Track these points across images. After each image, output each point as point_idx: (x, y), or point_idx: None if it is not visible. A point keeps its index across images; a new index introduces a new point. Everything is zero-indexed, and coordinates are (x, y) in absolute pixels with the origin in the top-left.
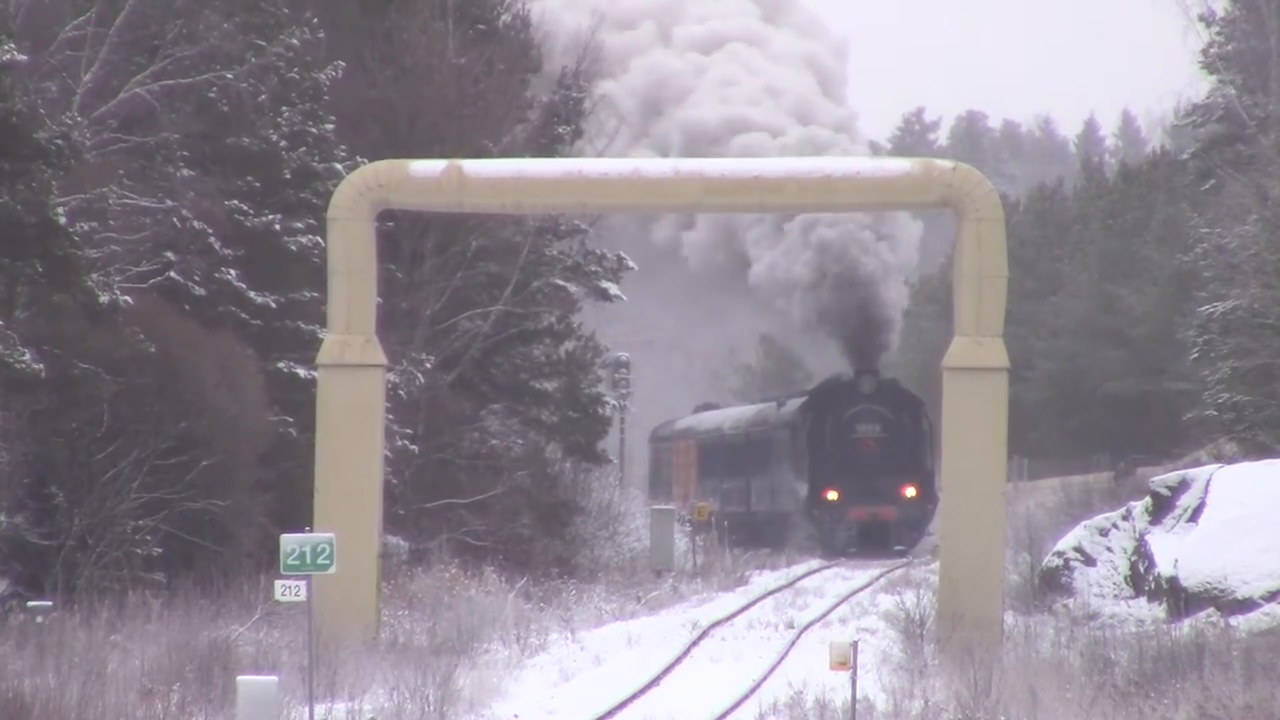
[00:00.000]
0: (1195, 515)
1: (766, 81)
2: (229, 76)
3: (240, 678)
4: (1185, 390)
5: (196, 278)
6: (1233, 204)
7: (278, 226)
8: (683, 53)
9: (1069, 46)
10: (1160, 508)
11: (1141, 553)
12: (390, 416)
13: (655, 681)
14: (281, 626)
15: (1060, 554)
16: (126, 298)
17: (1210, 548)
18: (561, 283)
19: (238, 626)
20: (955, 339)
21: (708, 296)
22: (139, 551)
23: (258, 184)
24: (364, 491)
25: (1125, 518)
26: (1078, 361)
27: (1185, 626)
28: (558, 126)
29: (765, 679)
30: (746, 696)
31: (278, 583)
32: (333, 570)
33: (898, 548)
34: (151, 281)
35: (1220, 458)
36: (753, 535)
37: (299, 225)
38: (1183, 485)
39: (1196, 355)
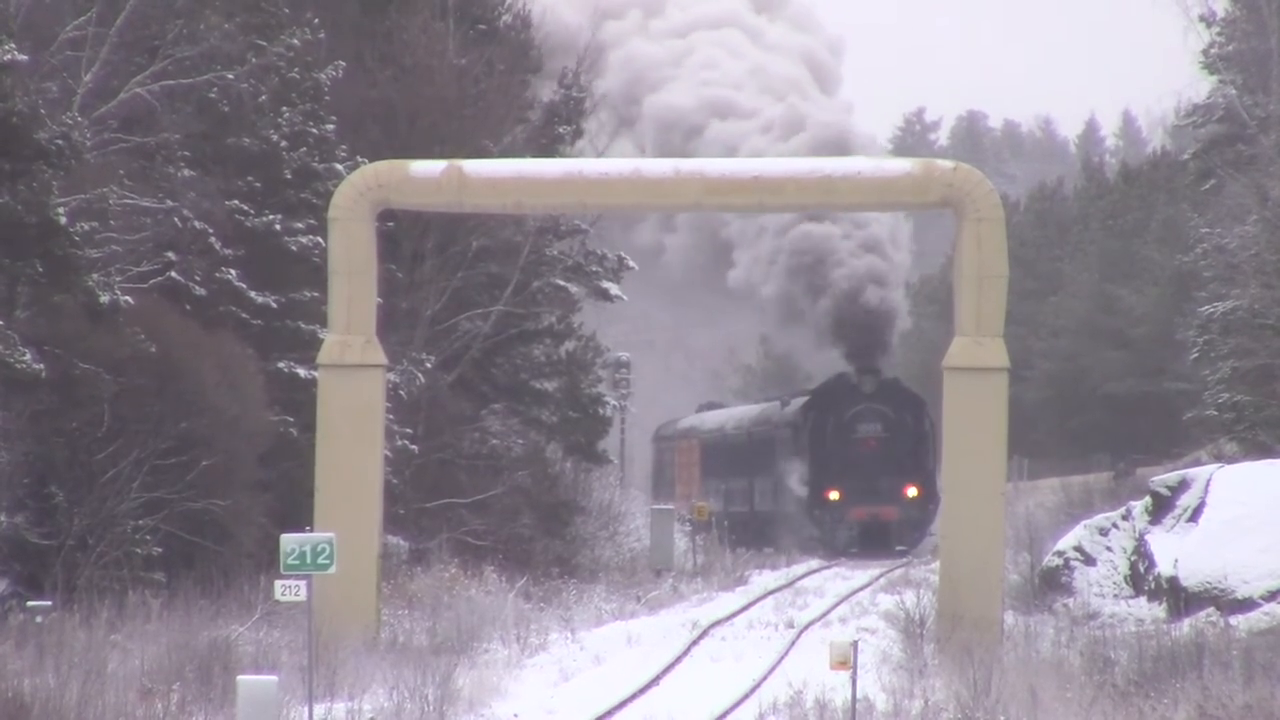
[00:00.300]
0: (1195, 515)
1: (752, 64)
2: (229, 77)
3: (240, 677)
4: (1185, 390)
5: (197, 278)
6: (1233, 204)
7: (278, 227)
8: (662, 39)
9: (1069, 46)
10: (1160, 507)
11: (1141, 552)
12: (390, 416)
13: (655, 681)
14: (281, 626)
15: (1060, 554)
16: (127, 298)
17: (1210, 547)
18: (562, 283)
19: (238, 626)
20: (955, 339)
21: (690, 298)
22: (139, 551)
23: (258, 184)
24: (364, 491)
25: (1125, 517)
26: (1078, 361)
27: (1185, 626)
28: (558, 126)
29: (765, 679)
30: (746, 696)
31: (278, 582)
32: (333, 570)
33: (899, 548)
34: (152, 281)
35: (1220, 458)
36: (756, 535)
37: (299, 225)
38: (1183, 485)
39: (1196, 355)
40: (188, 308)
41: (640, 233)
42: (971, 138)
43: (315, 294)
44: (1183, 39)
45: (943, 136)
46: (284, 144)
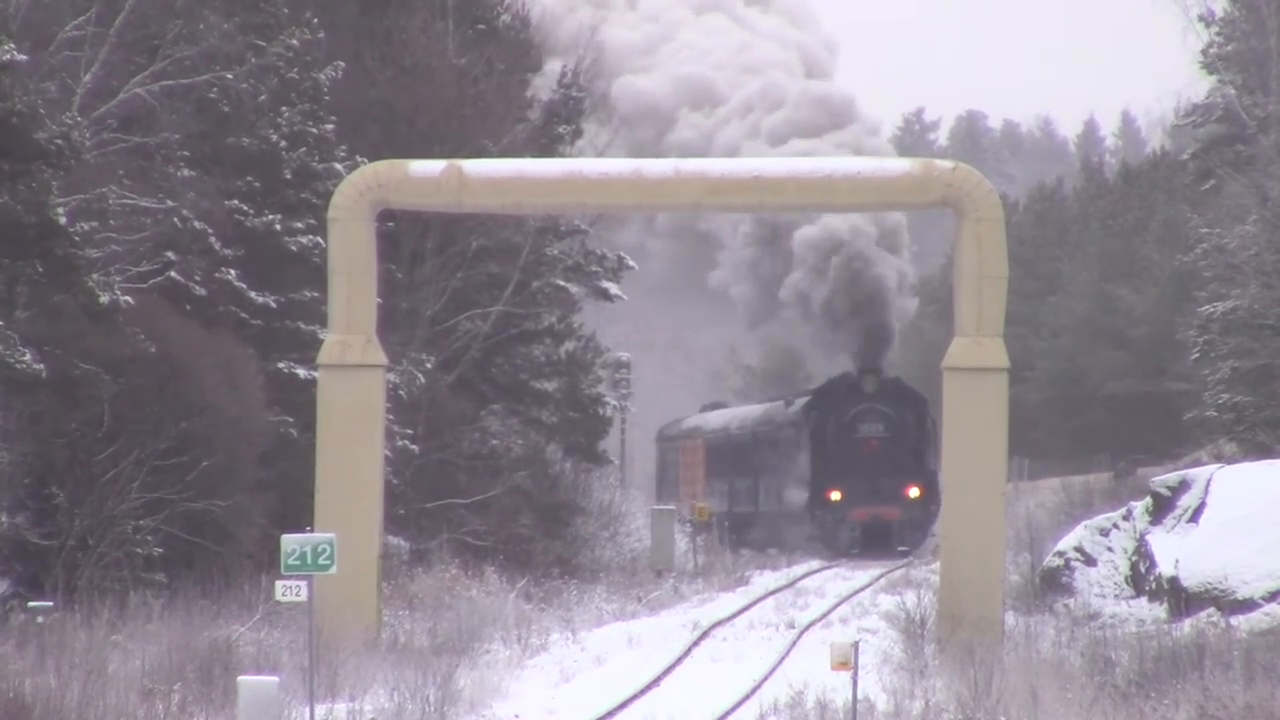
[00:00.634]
0: (1196, 515)
1: (736, 44)
2: (229, 77)
3: (241, 678)
4: (1185, 390)
5: (197, 278)
6: (1233, 204)
7: (278, 227)
8: (639, 25)
9: (1069, 46)
10: (1161, 508)
11: (1142, 553)
12: (390, 417)
13: (656, 682)
14: (282, 627)
15: (1061, 554)
16: (127, 298)
17: (1211, 548)
18: (562, 283)
19: (238, 627)
20: (955, 339)
21: (681, 298)
22: (139, 552)
23: (258, 184)
24: (364, 492)
25: (1126, 518)
26: (1078, 362)
27: (1186, 626)
28: (558, 126)
29: (766, 679)
30: (747, 697)
31: (278, 583)
32: (333, 570)
33: (901, 549)
34: (152, 281)
35: (1220, 458)
36: (761, 535)
37: (299, 225)
38: (1183, 485)
39: (1197, 355)
40: (188, 308)
41: (623, 235)
42: (971, 138)
43: (315, 294)
44: (1182, 39)
45: (942, 136)
46: (283, 144)
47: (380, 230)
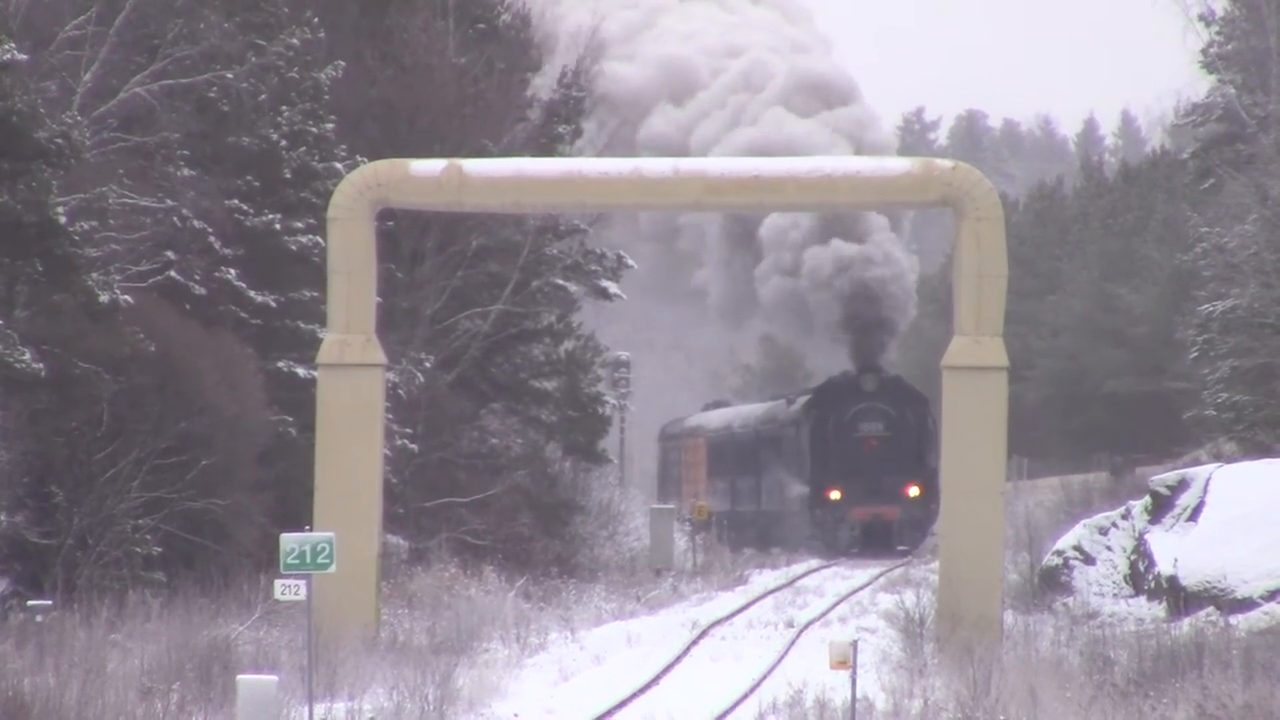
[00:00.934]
0: (1195, 514)
1: (723, 27)
2: (229, 76)
3: (240, 677)
4: (1185, 389)
5: (196, 277)
6: (1232, 203)
7: (278, 226)
8: (617, 13)
9: (1069, 46)
10: (1160, 507)
11: (1141, 552)
12: (390, 416)
13: (655, 681)
14: (281, 626)
15: (1060, 553)
16: (126, 297)
17: (1210, 547)
18: (561, 282)
19: (237, 626)
20: (955, 338)
21: (666, 300)
22: (139, 551)
23: (257, 183)
24: (364, 491)
25: (1125, 517)
26: (1078, 361)
27: (1185, 625)
28: (558, 126)
29: (765, 678)
30: (746, 696)
31: (277, 582)
32: (332, 569)
33: (901, 548)
34: (151, 281)
35: (1220, 457)
36: (764, 534)
37: (299, 225)
38: (1182, 484)
39: (1196, 355)
40: (187, 307)
41: (612, 235)
42: (971, 137)
43: (315, 293)
44: (1182, 38)
45: (942, 136)
46: (283, 143)
47: (380, 229)
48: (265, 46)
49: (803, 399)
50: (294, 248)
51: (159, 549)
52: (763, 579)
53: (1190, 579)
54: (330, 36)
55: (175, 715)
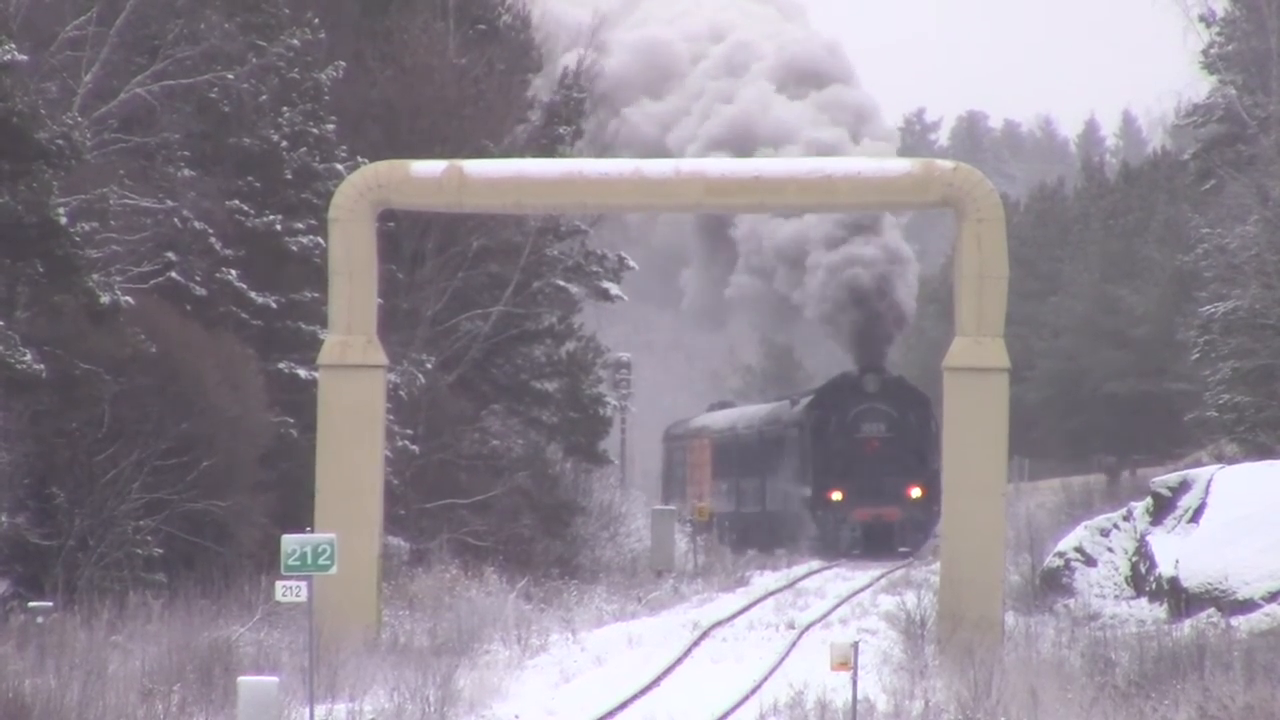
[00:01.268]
0: (1196, 516)
1: (712, 9)
2: (230, 77)
3: (241, 678)
4: (1186, 391)
5: (197, 278)
6: (1233, 204)
7: (278, 227)
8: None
9: (1069, 46)
10: (1161, 508)
11: (1142, 553)
12: (391, 417)
13: (656, 682)
14: (282, 627)
15: (1061, 554)
16: (127, 298)
17: (1211, 548)
18: (562, 283)
19: (238, 627)
20: (956, 339)
21: (663, 301)
22: (140, 552)
23: (258, 184)
24: (365, 492)
25: (1126, 518)
26: (1078, 362)
27: (1186, 627)
28: (558, 126)
29: (766, 680)
30: (747, 697)
31: (278, 583)
32: (333, 571)
33: (902, 549)
34: (152, 282)
35: (1221, 458)
36: (768, 536)
37: (300, 225)
38: (1183, 486)
39: (1197, 356)
40: (188, 308)
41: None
42: (971, 138)
43: (315, 294)
44: (1182, 39)
45: (943, 136)
46: (284, 144)
47: (381, 230)
48: (266, 47)
49: (806, 399)
50: (295, 249)
51: (160, 550)
52: (764, 580)
53: (1191, 580)
54: (331, 37)
55: (176, 717)
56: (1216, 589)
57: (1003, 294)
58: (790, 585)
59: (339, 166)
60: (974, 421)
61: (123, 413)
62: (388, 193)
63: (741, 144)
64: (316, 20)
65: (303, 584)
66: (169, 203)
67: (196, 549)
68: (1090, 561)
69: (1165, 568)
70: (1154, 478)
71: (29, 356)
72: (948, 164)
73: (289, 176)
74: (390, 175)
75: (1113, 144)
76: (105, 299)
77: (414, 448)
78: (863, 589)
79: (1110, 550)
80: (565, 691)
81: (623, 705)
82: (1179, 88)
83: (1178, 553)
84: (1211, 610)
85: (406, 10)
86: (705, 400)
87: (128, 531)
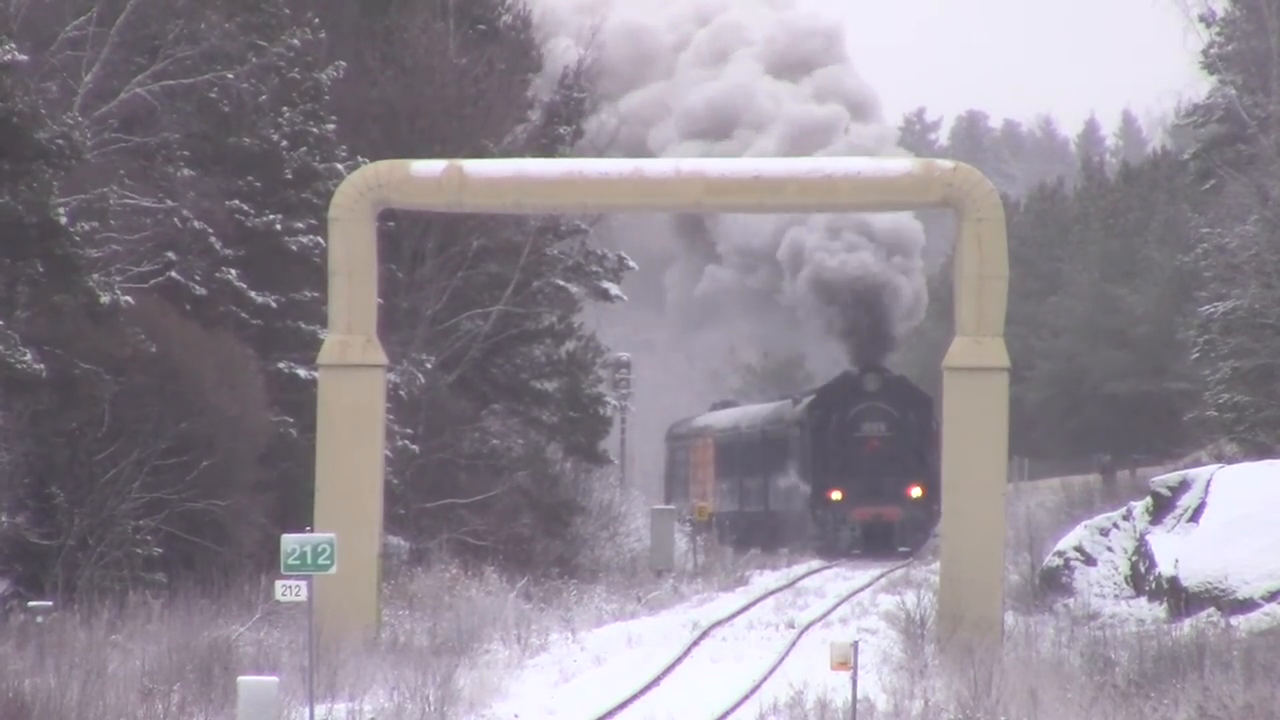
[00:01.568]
0: (1196, 515)
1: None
2: (230, 76)
3: (241, 678)
4: (1186, 390)
5: (197, 278)
6: (1233, 204)
7: (278, 226)
8: None
9: (1069, 46)
10: (1161, 508)
11: (1142, 553)
12: (391, 416)
13: (655, 682)
14: (282, 627)
15: (1061, 554)
16: (127, 298)
17: (1211, 548)
18: (562, 283)
19: (238, 627)
20: (956, 339)
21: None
22: (139, 552)
23: (258, 184)
24: (364, 491)
25: (1126, 517)
26: (1078, 361)
27: (1186, 626)
28: (559, 127)
29: (766, 679)
30: (747, 697)
31: (278, 583)
32: (333, 570)
33: (902, 549)
34: (152, 281)
35: (1221, 458)
36: (771, 535)
37: (300, 225)
38: (1183, 485)
39: (1197, 355)
40: (188, 308)
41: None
42: (971, 138)
43: (315, 294)
44: (1182, 39)
45: (943, 136)
46: (284, 144)
47: (381, 230)
48: (266, 47)
49: (808, 399)
50: (295, 248)
51: (160, 550)
52: (763, 580)
53: (1191, 580)
54: (331, 37)
55: (176, 716)
56: (1216, 588)
57: (1003, 294)
58: (790, 585)
59: (339, 166)
60: (974, 421)
61: (122, 412)
62: (388, 192)
63: (722, 125)
64: (316, 20)
65: (302, 583)
66: (169, 202)
67: (196, 549)
68: (1090, 561)
69: (1165, 567)
70: (1154, 477)
71: (29, 356)
72: (948, 164)
73: (289, 176)
74: (390, 175)
75: (1113, 144)
76: (105, 299)
77: (414, 447)
78: (862, 588)
79: (1110, 550)
80: (565, 691)
81: (622, 705)
82: (1179, 88)
83: (1177, 552)
84: (1211, 610)
85: (406, 10)
86: (705, 400)
87: (127, 531)
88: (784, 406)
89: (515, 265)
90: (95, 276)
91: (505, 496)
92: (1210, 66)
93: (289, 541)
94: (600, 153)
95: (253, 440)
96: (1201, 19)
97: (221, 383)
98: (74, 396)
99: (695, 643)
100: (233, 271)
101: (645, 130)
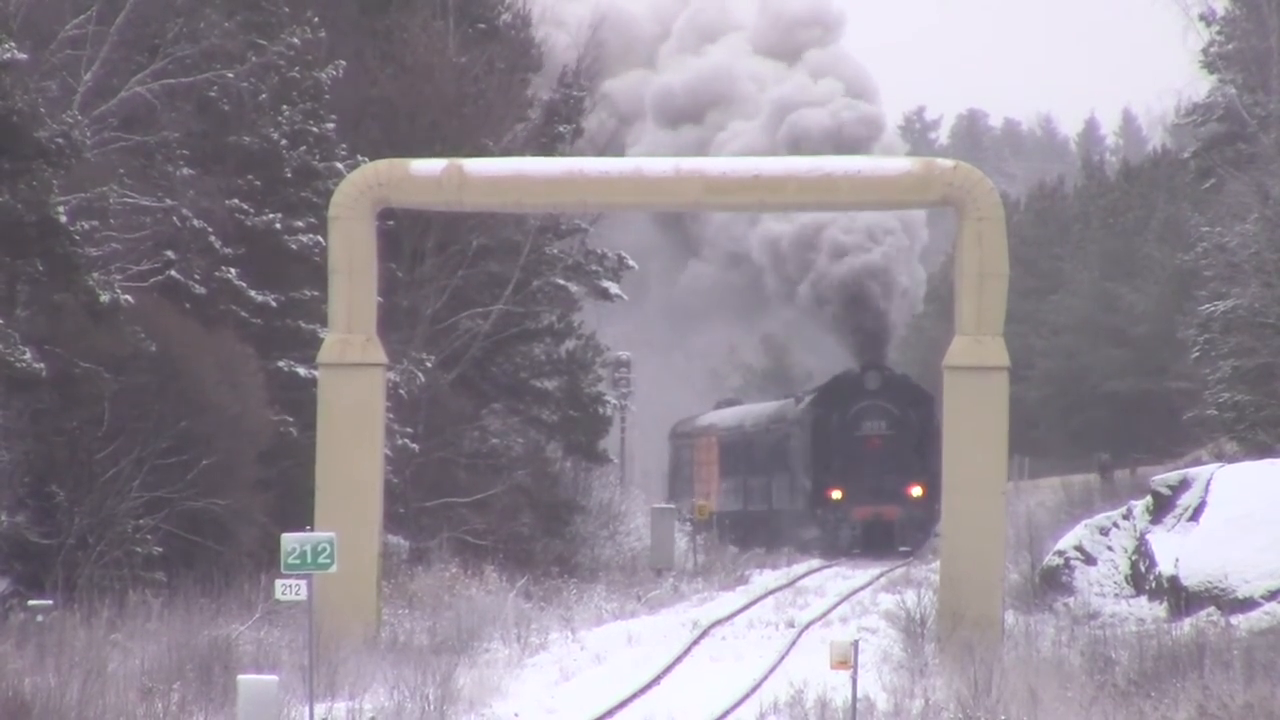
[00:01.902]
0: (1196, 514)
1: None
2: (229, 75)
3: (240, 677)
4: (1186, 389)
5: (197, 276)
6: (1233, 203)
7: (278, 225)
8: None
9: (1069, 45)
10: (1161, 507)
11: (1142, 552)
12: (391, 415)
13: (656, 681)
14: (282, 625)
15: (1061, 553)
16: (127, 296)
17: (1211, 547)
18: (562, 282)
19: (238, 626)
20: (956, 338)
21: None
22: (139, 550)
23: (258, 183)
24: (364, 490)
25: (1126, 517)
26: (1078, 360)
27: (1186, 625)
28: (558, 125)
29: (766, 678)
30: (747, 696)
31: (278, 582)
32: (333, 569)
33: (902, 548)
34: (152, 280)
35: (1221, 457)
36: (774, 534)
37: (299, 224)
38: (1183, 484)
39: (1197, 354)
40: (188, 306)
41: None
42: (972, 136)
43: (315, 293)
44: (1182, 38)
45: (943, 135)
46: (284, 143)
47: (381, 229)
48: (266, 46)
49: (809, 397)
50: (294, 247)
51: (159, 549)
52: (763, 579)
53: (1191, 579)
54: (331, 36)
55: (176, 715)
56: (1216, 587)
57: (1003, 292)
58: (790, 584)
59: (339, 165)
60: (974, 420)
61: (122, 411)
62: (387, 191)
63: (701, 105)
64: (316, 19)
65: (302, 582)
66: (169, 201)
67: (196, 547)
68: (1090, 560)
69: (1165, 566)
70: (1154, 476)
71: (29, 355)
72: (948, 163)
73: (289, 175)
74: (390, 174)
75: (1113, 143)
76: (105, 297)
77: (414, 446)
78: (863, 587)
79: (1110, 549)
80: (565, 690)
81: (622, 704)
82: (1179, 86)
83: (1177, 551)
84: (1211, 609)
85: (406, 9)
86: (705, 399)
87: (127, 530)
88: (786, 405)
89: (515, 264)
90: (95, 275)
91: (505, 495)
92: (1210, 65)
93: (289, 540)
94: (600, 151)
95: (253, 439)
96: (1202, 18)
97: (221, 382)
98: (74, 395)
99: (695, 642)
100: (232, 270)
101: (624, 126)
